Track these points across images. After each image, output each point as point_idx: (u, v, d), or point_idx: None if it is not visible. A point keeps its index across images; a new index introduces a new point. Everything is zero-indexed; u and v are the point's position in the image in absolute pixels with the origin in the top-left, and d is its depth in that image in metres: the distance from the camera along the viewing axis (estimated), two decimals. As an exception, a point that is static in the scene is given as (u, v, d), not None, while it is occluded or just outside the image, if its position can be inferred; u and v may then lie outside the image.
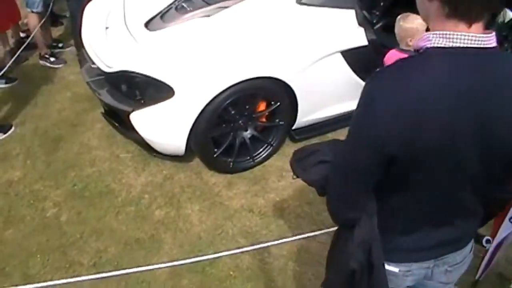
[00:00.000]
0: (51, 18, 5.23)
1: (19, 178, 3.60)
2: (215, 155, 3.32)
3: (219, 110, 3.12)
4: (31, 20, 4.72)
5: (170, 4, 3.72)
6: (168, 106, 3.09)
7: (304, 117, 3.52)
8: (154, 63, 3.14)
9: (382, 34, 3.59)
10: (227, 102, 3.11)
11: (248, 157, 3.47)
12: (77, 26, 3.98)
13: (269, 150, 3.52)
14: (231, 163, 3.41)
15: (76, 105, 4.35)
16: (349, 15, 3.40)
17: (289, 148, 3.67)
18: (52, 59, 4.91)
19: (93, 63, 3.43)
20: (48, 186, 3.51)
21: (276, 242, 2.76)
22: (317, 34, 3.31)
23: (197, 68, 3.09)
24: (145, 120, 3.19)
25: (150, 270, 2.72)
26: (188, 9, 3.59)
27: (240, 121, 3.33)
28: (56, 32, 5.54)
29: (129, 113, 3.19)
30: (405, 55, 2.95)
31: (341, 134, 3.74)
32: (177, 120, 3.12)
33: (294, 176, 1.70)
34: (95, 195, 3.40)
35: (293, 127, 3.59)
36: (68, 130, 4.04)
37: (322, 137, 3.74)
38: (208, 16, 3.39)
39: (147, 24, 3.53)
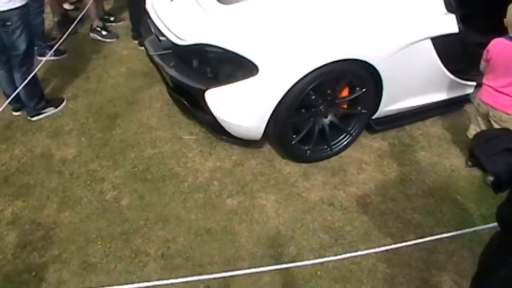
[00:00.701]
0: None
1: (73, 156, 3.35)
2: (293, 142, 3.04)
3: (304, 93, 2.84)
4: (84, -10, 4.48)
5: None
6: (250, 85, 2.81)
7: (386, 106, 3.23)
8: (237, 39, 2.84)
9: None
10: (313, 84, 2.83)
11: (326, 146, 3.20)
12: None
13: (348, 140, 3.24)
14: (308, 152, 3.13)
15: (132, 81, 4.08)
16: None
17: (366, 139, 3.39)
18: (104, 32, 4.66)
19: (162, 35, 3.15)
20: (106, 166, 3.26)
21: (374, 250, 2.47)
22: (408, 18, 3.02)
23: (285, 46, 2.80)
24: (222, 100, 2.91)
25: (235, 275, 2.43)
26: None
27: (321, 107, 3.05)
28: (106, 6, 5.25)
29: (203, 91, 2.91)
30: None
31: (418, 127, 3.49)
32: (259, 101, 2.84)
33: (470, 163, 1.47)
34: (158, 178, 3.14)
35: (373, 117, 3.30)
36: (124, 107, 3.78)
37: (400, 129, 3.47)
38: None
39: (218, -3, 3.24)
